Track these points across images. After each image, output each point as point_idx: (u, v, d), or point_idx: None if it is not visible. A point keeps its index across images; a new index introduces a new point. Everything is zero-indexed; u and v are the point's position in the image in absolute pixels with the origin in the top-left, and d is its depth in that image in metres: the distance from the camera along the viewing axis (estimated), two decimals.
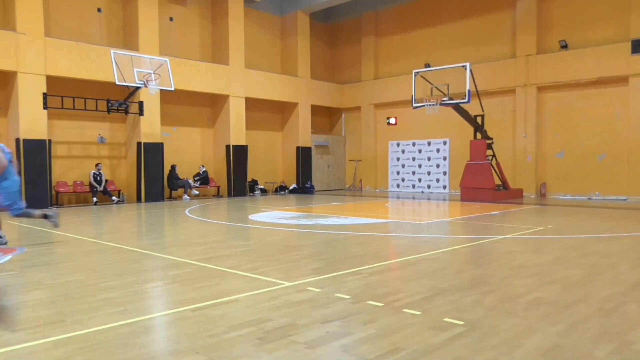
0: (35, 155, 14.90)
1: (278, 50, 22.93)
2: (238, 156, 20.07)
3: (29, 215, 7.96)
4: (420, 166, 21.57)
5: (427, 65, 19.89)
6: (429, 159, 21.27)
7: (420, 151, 21.54)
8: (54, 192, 15.75)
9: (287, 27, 22.80)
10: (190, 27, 19.74)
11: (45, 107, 15.10)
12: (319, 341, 3.36)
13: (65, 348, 3.24)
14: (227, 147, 19.88)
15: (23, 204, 7.82)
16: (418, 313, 3.94)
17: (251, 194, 20.88)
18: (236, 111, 19.97)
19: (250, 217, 11.97)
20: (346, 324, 3.70)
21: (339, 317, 3.85)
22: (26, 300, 4.47)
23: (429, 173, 21.29)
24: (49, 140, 15.30)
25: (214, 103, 20.29)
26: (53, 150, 15.57)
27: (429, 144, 21.23)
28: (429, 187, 21.25)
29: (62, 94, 15.52)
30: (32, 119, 14.93)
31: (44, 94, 15.08)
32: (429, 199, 18.08)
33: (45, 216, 8.11)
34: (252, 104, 20.81)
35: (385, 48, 23.24)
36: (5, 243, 7.76)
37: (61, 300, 4.47)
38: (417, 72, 17.37)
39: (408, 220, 11.28)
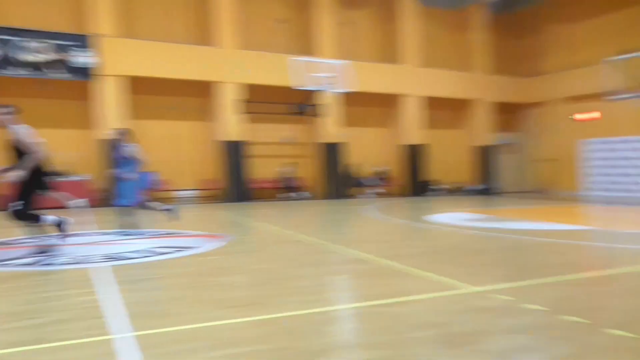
0: (233, 155, 16.84)
1: (453, 46, 22.23)
2: (414, 155, 20.01)
3: (147, 208, 9.27)
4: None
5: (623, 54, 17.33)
6: None
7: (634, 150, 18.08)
8: (249, 188, 17.52)
9: (461, 20, 21.99)
10: (363, 29, 20.25)
11: (240, 112, 16.92)
12: (508, 353, 3.16)
13: (264, 328, 3.55)
14: (404, 146, 19.95)
15: (140, 198, 9.00)
16: (629, 335, 3.46)
17: (428, 193, 20.62)
18: (411, 110, 19.92)
19: (429, 217, 11.82)
20: (539, 338, 3.42)
21: (530, 330, 3.57)
22: (231, 282, 5.03)
23: None
24: (244, 142, 17.10)
25: (390, 103, 20.52)
26: (248, 150, 17.33)
27: None
28: None
29: (255, 100, 17.18)
30: (230, 123, 16.88)
31: (239, 100, 16.91)
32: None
33: (164, 210, 9.43)
34: (428, 102, 20.54)
35: (570, 36, 20.98)
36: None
37: (258, 284, 4.93)
38: (617, 59, 15.25)
39: (615, 228, 10.01)
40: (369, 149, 20.33)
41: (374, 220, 11.51)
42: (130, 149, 8.83)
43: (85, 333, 3.43)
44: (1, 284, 5.03)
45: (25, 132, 6.05)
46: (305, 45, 18.66)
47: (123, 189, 8.75)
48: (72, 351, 3.11)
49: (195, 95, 17.50)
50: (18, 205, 5.96)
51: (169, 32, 16.95)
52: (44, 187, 6.30)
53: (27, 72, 14.34)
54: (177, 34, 17.09)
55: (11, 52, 14.06)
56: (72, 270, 5.67)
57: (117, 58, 15.35)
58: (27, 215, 6.08)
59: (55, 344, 3.22)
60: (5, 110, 6.10)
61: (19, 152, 6.04)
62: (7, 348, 3.17)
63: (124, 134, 8.97)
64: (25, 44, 14.22)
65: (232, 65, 16.83)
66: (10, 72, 14.13)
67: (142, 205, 9.04)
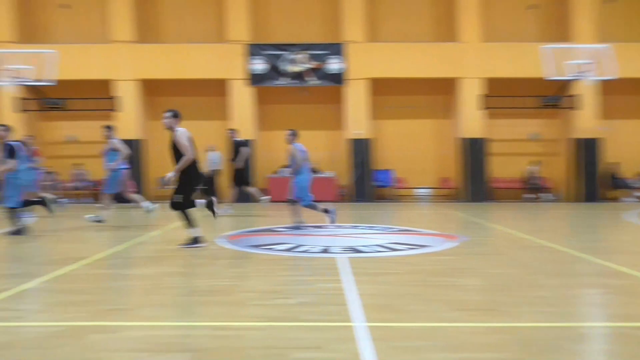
0: (473, 153, 16.38)
1: None
2: None
3: (313, 208, 9.21)
4: None
5: None
6: None
7: None
8: (489, 187, 16.80)
9: None
10: (624, 5, 17.27)
11: (482, 107, 16.30)
12: None
13: (498, 336, 3.38)
14: None
15: (310, 197, 9.14)
16: None
17: None
18: None
19: None
20: None
21: None
22: (465, 284, 4.92)
23: None
24: (485, 139, 16.44)
25: None
26: (489, 147, 16.61)
27: None
28: None
29: (497, 94, 16.33)
30: (470, 120, 16.44)
31: (481, 95, 16.30)
32: None
33: (325, 211, 9.16)
34: None
35: None
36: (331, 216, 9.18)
37: (493, 289, 4.71)
38: None
39: None
40: (630, 145, 17.37)
41: (634, 227, 9.87)
42: None
43: (327, 318, 3.79)
44: (263, 266, 5.90)
45: (182, 135, 6.71)
46: (559, 30, 16.92)
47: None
48: (314, 332, 3.46)
49: (434, 93, 17.52)
50: (177, 198, 6.75)
51: (410, 32, 17.31)
52: (198, 183, 7.08)
53: (291, 81, 16.47)
54: (418, 34, 17.34)
55: (279, 65, 16.33)
56: (319, 258, 6.31)
57: (362, 62, 16.39)
58: (184, 205, 6.81)
59: (300, 324, 3.64)
60: (169, 114, 6.80)
61: (177, 153, 6.72)
62: (259, 321, 3.71)
63: None
64: (290, 56, 16.34)
65: (474, 60, 16.34)
66: (279, 82, 16.41)
67: (310, 205, 9.26)
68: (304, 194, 9.14)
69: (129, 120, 15.97)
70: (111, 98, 15.85)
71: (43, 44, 15.62)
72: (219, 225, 9.81)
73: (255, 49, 16.21)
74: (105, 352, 3.11)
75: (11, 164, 8.07)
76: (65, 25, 16.96)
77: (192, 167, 6.83)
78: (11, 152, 8.10)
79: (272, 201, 14.30)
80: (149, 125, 16.93)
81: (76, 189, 16.42)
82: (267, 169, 16.86)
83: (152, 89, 17.03)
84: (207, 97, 17.20)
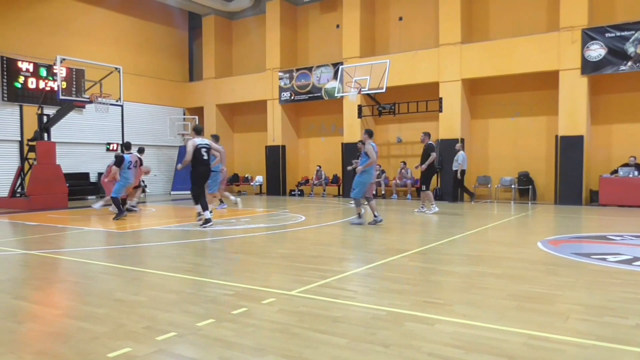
0: (571, 151, 14.57)
1: None
2: None
3: (357, 205, 9.89)
4: None
5: None
6: None
7: None
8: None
9: None
10: None
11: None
12: None
13: None
14: None
15: (360, 194, 9.71)
16: None
17: None
18: None
19: None
20: None
21: None
22: None
23: None
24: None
25: None
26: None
27: None
28: None
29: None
30: (571, 116, 13.35)
31: None
32: None
33: (359, 215, 9.87)
34: None
35: None
36: (380, 221, 9.68)
37: None
38: None
39: None
40: None
41: None
42: None
43: None
44: (592, 277, 5.19)
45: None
46: None
47: None
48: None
49: None
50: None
51: None
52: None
53: (635, 66, 13.90)
54: None
55: (623, 48, 13.99)
56: None
57: None
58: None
59: (636, 349, 3.05)
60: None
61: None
62: (583, 338, 3.26)
63: None
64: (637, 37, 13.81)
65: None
66: (622, 67, 14.02)
67: (356, 201, 9.94)
68: (360, 189, 9.67)
69: (452, 120, 16.45)
70: (436, 100, 16.60)
71: (378, 56, 17.56)
72: (539, 229, 9.15)
73: (592, 34, 14.36)
74: (421, 342, 3.26)
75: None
76: (398, 36, 18.64)
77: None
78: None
79: (602, 204, 12.78)
80: (471, 123, 17.13)
81: (403, 185, 17.85)
82: (600, 168, 14.94)
83: (474, 87, 17.12)
84: (531, 91, 16.29)
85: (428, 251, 6.78)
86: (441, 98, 16.58)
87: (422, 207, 12.20)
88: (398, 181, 17.91)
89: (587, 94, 14.66)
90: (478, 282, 4.97)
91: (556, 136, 14.99)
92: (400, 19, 18.70)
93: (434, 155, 11.87)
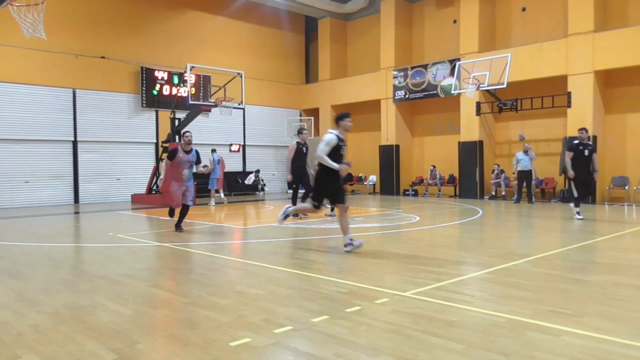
0: None
1: None
2: None
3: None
4: None
5: None
6: None
7: None
8: None
9: None
10: None
11: None
12: None
13: None
14: None
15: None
16: None
17: None
18: None
19: None
20: None
21: None
22: None
23: None
24: None
25: None
26: None
27: None
28: None
29: None
30: None
31: None
32: None
33: None
34: None
35: None
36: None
37: None
38: None
39: None
40: None
41: None
42: None
43: None
44: None
45: None
46: None
47: None
48: None
49: None
50: None
51: None
52: None
53: None
54: None
55: None
56: None
57: None
58: None
59: None
60: None
61: None
62: None
63: None
64: None
65: None
66: None
67: None
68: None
69: (583, 115, 15.11)
70: (564, 95, 15.38)
71: (498, 50, 16.70)
72: None
73: None
74: (545, 353, 3.04)
75: None
76: (521, 28, 17.58)
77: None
78: None
79: None
80: (605, 119, 15.63)
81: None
82: None
83: (608, 80, 15.60)
84: None
85: (554, 257, 6.31)
86: (570, 92, 15.32)
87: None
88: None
89: None
90: (613, 292, 4.52)
91: None
92: (524, 9, 17.62)
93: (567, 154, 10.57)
